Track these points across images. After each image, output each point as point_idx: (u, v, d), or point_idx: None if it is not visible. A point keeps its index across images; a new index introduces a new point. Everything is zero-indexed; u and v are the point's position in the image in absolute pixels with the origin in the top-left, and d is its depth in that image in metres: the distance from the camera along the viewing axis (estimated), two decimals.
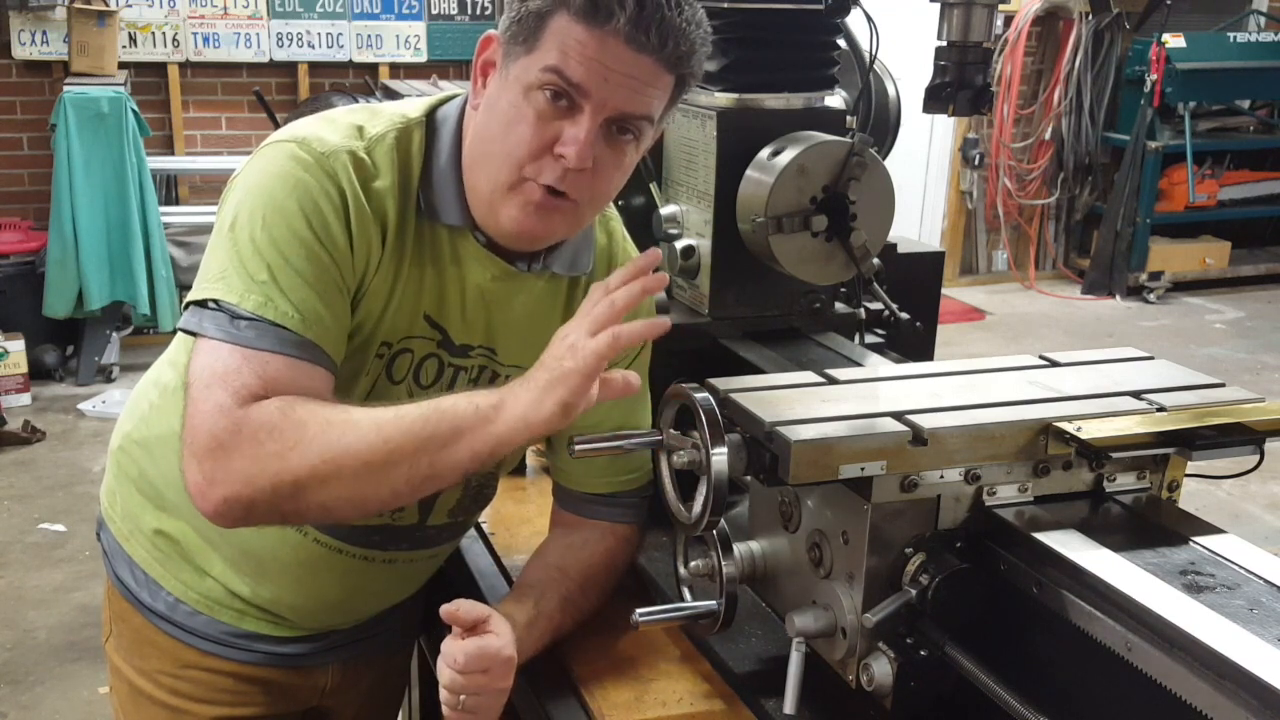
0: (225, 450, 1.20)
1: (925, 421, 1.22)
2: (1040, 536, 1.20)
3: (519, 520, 1.86)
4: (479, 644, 1.33)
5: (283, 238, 1.28)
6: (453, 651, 1.33)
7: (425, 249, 1.39)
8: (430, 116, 1.41)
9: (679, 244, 1.78)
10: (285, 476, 1.20)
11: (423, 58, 6.42)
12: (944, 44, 1.80)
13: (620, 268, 1.30)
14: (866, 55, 1.88)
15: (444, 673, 1.34)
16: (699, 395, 1.26)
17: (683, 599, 1.46)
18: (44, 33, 5.86)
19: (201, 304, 1.28)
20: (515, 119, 1.29)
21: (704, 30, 1.31)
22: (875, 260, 1.72)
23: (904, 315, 1.88)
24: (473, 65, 1.37)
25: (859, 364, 1.70)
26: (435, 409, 1.23)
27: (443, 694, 1.35)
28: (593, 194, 1.35)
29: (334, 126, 1.36)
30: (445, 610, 1.33)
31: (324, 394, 1.28)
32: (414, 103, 1.43)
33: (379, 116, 1.39)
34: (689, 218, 1.80)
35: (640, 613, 1.38)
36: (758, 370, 1.66)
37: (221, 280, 1.28)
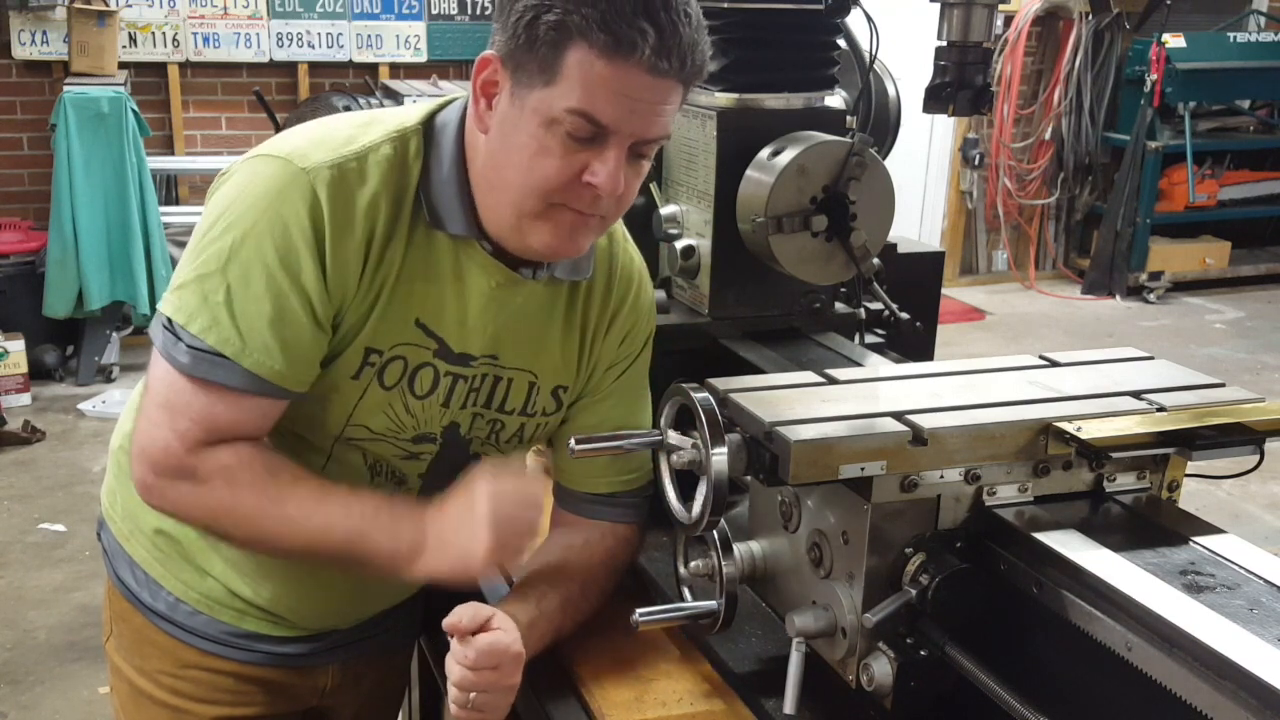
0: (165, 483, 1.35)
1: (925, 421, 1.22)
2: (1040, 536, 1.20)
3: None
4: (490, 640, 1.33)
5: (248, 260, 1.30)
6: (463, 649, 1.33)
7: (419, 257, 1.38)
8: (429, 124, 1.40)
9: (679, 244, 1.78)
10: (216, 529, 1.40)
11: (423, 58, 6.41)
12: (944, 44, 1.80)
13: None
14: (866, 55, 1.88)
15: (454, 670, 1.34)
16: (699, 395, 1.26)
17: (683, 599, 1.46)
18: (44, 33, 5.86)
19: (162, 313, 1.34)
20: (539, 152, 1.28)
21: (705, 30, 1.30)
22: (875, 260, 1.72)
23: (904, 315, 1.88)
24: (472, 85, 1.35)
25: (859, 364, 1.70)
26: (361, 536, 1.35)
27: (451, 692, 1.35)
28: (619, 208, 1.37)
29: (325, 137, 1.36)
30: (448, 624, 1.34)
31: (264, 427, 1.37)
32: (411, 110, 1.42)
33: (375, 125, 1.39)
34: (689, 218, 1.80)
35: (640, 613, 1.38)
36: (758, 370, 1.66)
37: (178, 291, 1.33)
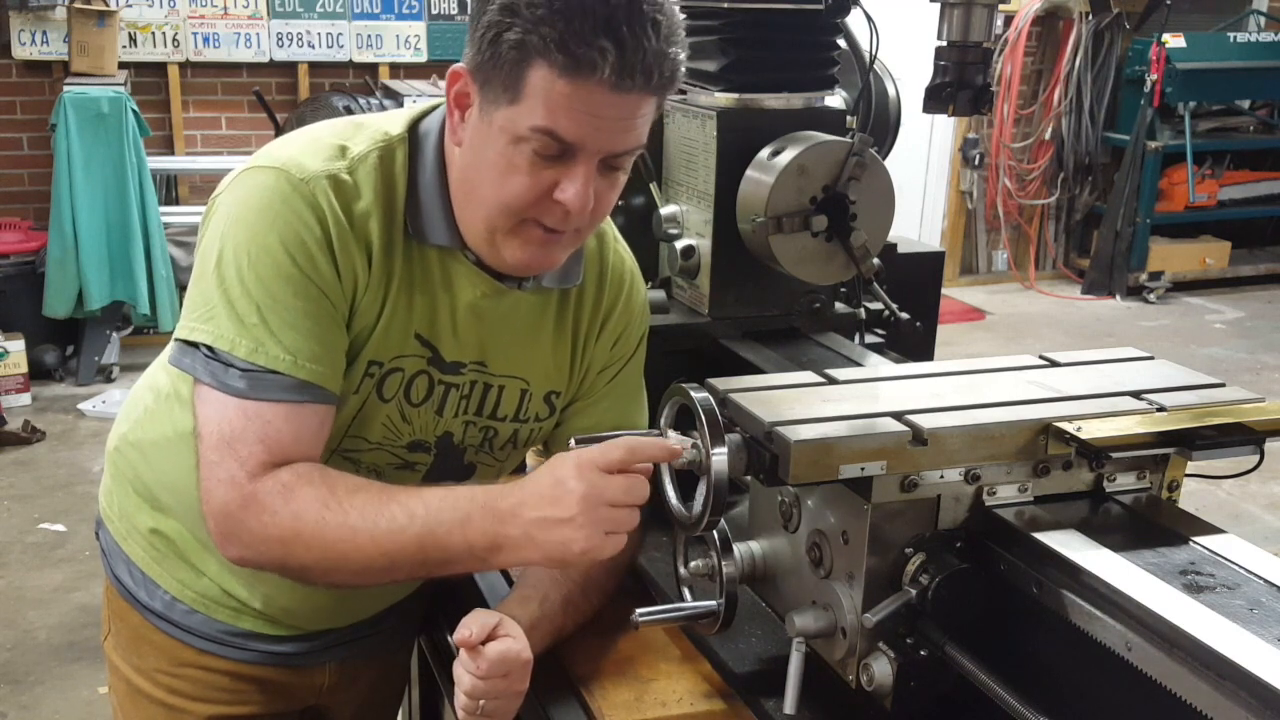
0: (235, 521, 1.29)
1: (925, 421, 1.22)
2: (1040, 536, 1.20)
3: None
4: (501, 650, 1.33)
5: (269, 275, 1.29)
6: (474, 658, 1.33)
7: (414, 268, 1.38)
8: (413, 131, 1.40)
9: (679, 244, 1.78)
10: (290, 562, 1.30)
11: (423, 58, 6.41)
12: (944, 44, 1.80)
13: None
14: (866, 55, 1.88)
15: (464, 679, 1.34)
16: (699, 395, 1.26)
17: (683, 599, 1.45)
18: (44, 33, 5.86)
19: (193, 344, 1.30)
20: (507, 169, 1.27)
21: (682, 36, 1.27)
22: (875, 260, 1.72)
23: (904, 315, 1.88)
24: (446, 97, 1.34)
25: (859, 364, 1.70)
26: (431, 535, 1.26)
27: (460, 700, 1.35)
28: (592, 221, 1.36)
29: (316, 147, 1.35)
30: (458, 639, 1.34)
31: (322, 436, 1.34)
32: (395, 117, 1.42)
33: (361, 133, 1.38)
34: (689, 218, 1.80)
35: (640, 613, 1.38)
36: (758, 370, 1.66)
37: (211, 321, 1.30)
